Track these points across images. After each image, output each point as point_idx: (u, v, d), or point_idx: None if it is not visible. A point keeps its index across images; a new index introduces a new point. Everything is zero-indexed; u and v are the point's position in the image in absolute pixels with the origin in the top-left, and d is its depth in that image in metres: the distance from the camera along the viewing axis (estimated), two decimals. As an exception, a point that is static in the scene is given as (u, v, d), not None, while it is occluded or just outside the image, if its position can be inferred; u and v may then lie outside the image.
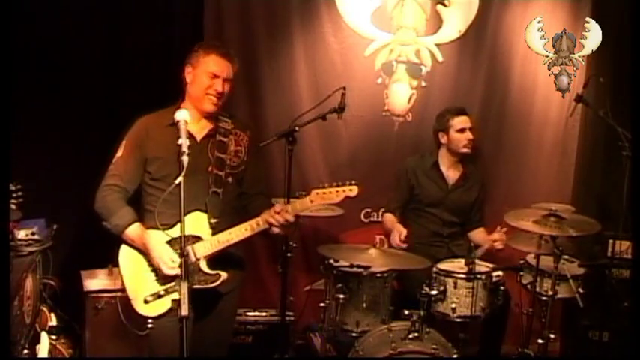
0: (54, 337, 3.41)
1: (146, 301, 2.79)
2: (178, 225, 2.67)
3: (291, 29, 4.23)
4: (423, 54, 4.33)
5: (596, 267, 3.92)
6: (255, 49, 4.21)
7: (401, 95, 4.35)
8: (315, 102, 3.60)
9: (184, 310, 2.30)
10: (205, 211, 2.81)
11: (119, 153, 2.88)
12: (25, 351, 3.17)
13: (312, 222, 4.14)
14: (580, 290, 3.60)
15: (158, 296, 2.79)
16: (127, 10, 3.98)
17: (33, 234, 3.44)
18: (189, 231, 2.75)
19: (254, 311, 3.99)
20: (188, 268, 2.69)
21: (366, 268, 3.38)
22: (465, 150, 4.02)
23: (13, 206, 3.31)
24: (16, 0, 3.42)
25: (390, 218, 4.05)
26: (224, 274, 2.80)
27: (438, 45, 4.32)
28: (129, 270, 2.85)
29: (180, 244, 2.42)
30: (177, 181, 2.37)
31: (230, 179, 2.91)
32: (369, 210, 4.40)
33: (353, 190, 2.86)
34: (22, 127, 3.53)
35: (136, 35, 3.95)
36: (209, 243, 2.79)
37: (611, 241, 3.97)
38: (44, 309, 3.50)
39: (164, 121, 2.82)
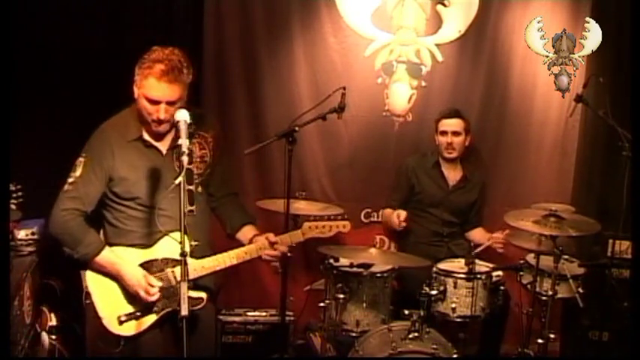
0: (54, 337, 3.41)
1: (121, 322, 2.67)
2: (155, 246, 2.67)
3: (291, 29, 4.23)
4: (423, 54, 4.32)
5: (596, 267, 3.92)
6: (255, 49, 4.21)
7: (401, 95, 4.34)
8: (315, 102, 3.61)
9: (184, 310, 2.28)
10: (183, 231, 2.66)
11: (77, 172, 2.65)
12: (25, 351, 3.17)
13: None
14: (580, 290, 3.60)
15: (135, 317, 2.68)
16: (127, 10, 3.98)
17: (33, 234, 3.45)
18: (168, 254, 2.67)
19: (254, 311, 3.99)
20: (168, 291, 2.68)
21: (367, 267, 3.38)
22: (446, 154, 4.02)
23: (13, 206, 3.31)
24: (16, 0, 3.42)
25: (388, 211, 4.05)
26: (205, 296, 2.72)
27: (438, 45, 4.32)
28: (99, 289, 2.70)
29: (180, 245, 2.35)
30: (176, 181, 2.36)
31: (200, 188, 2.75)
32: (369, 210, 4.40)
33: (346, 227, 2.87)
34: (22, 128, 3.53)
35: (136, 35, 3.94)
36: (192, 268, 2.62)
37: (611, 241, 3.97)
38: (44, 309, 3.51)
39: (126, 135, 2.67)
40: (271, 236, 2.75)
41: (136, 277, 2.64)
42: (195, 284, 2.68)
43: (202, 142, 2.80)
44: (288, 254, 3.40)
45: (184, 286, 2.31)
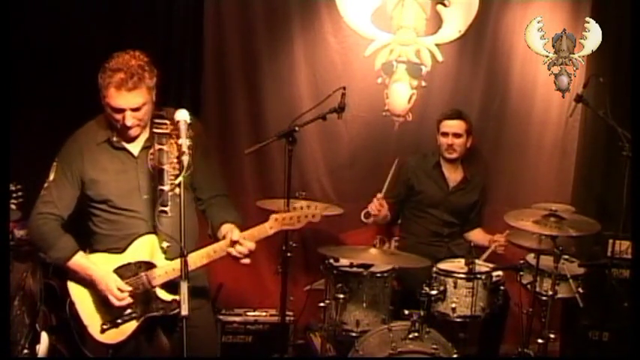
0: (54, 337, 3.41)
1: (103, 330, 2.63)
2: (128, 250, 2.63)
3: (291, 29, 4.24)
4: (423, 54, 4.32)
5: (596, 267, 3.91)
6: (255, 49, 4.21)
7: (401, 95, 4.34)
8: (315, 102, 3.60)
9: (184, 310, 2.26)
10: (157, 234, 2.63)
11: (51, 177, 2.65)
12: (25, 351, 3.16)
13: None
14: (580, 290, 3.60)
15: (115, 324, 2.63)
16: (127, 10, 3.98)
17: (33, 234, 3.44)
18: (140, 257, 2.63)
19: (254, 311, 3.99)
20: (145, 296, 2.63)
21: (367, 267, 3.38)
22: (447, 155, 4.02)
23: (13, 206, 3.31)
24: (16, 0, 3.42)
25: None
26: (177, 298, 2.56)
27: (438, 45, 4.32)
28: (82, 297, 2.66)
29: (181, 248, 2.31)
30: (177, 181, 2.35)
31: (177, 190, 2.53)
32: (369, 210, 4.39)
33: (316, 216, 2.67)
34: (22, 128, 3.53)
35: (136, 35, 3.94)
36: (163, 270, 2.60)
37: (611, 241, 3.97)
38: (44, 309, 3.50)
39: (95, 138, 2.65)
40: (236, 234, 2.60)
41: (105, 281, 2.59)
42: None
43: (179, 141, 2.64)
44: (288, 254, 3.41)
45: (184, 285, 2.28)
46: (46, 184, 2.66)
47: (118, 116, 2.55)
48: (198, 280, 2.70)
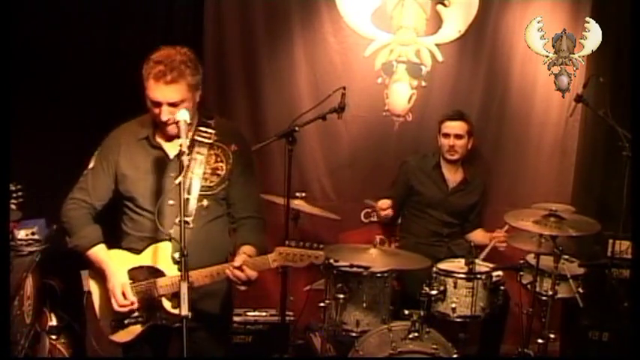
0: (54, 337, 3.41)
1: (111, 326, 2.62)
2: (144, 253, 2.60)
3: (291, 29, 4.24)
4: (423, 54, 4.33)
5: (596, 267, 3.92)
6: (255, 49, 4.21)
7: (401, 95, 4.34)
8: (315, 102, 3.61)
9: (184, 310, 2.24)
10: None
11: (90, 165, 2.66)
12: (25, 351, 3.16)
13: (312, 222, 4.14)
14: (580, 290, 3.60)
15: (122, 324, 2.61)
16: (127, 10, 3.98)
17: (33, 234, 3.44)
18: (154, 262, 2.59)
19: (254, 311, 3.99)
20: (151, 304, 2.59)
21: (366, 268, 3.38)
22: (447, 156, 4.03)
23: (13, 206, 3.31)
24: (15, 0, 3.42)
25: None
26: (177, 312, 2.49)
27: (438, 45, 4.32)
28: (97, 289, 2.67)
29: (181, 248, 2.28)
30: (177, 181, 2.33)
31: (206, 202, 2.58)
32: (369, 210, 4.39)
33: (319, 258, 2.57)
34: (22, 128, 3.53)
35: (136, 36, 3.95)
36: (170, 282, 2.55)
37: (611, 241, 3.97)
38: (44, 309, 3.50)
39: (137, 134, 2.62)
40: (240, 259, 2.52)
41: (112, 281, 2.56)
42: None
43: (220, 154, 2.62)
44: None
45: (184, 286, 2.26)
46: (85, 172, 2.66)
47: (156, 110, 2.51)
48: (217, 295, 2.70)
